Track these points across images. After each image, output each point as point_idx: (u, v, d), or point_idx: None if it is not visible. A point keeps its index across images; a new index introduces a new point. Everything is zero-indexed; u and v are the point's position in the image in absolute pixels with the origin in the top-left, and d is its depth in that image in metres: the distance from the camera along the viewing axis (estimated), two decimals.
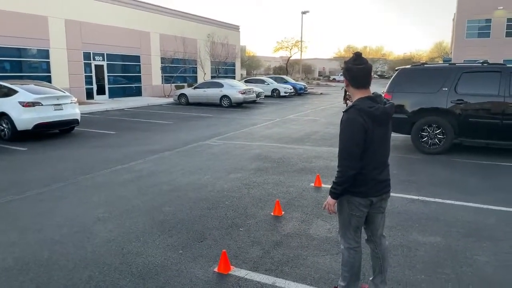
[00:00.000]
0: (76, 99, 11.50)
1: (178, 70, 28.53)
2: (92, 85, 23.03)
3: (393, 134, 8.39)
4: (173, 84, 27.50)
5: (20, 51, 19.32)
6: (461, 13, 36.65)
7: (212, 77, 31.10)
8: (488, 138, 8.19)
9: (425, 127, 8.53)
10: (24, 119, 9.95)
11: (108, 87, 24.11)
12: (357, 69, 2.63)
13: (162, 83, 27.76)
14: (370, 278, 3.10)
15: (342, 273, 2.92)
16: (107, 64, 23.93)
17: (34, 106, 10.02)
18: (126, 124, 13.63)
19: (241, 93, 20.13)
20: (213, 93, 20.66)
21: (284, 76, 35.60)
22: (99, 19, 22.84)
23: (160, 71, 27.73)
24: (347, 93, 19.79)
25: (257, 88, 23.67)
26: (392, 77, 9.14)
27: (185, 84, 28.59)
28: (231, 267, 3.59)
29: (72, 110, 11.02)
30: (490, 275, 3.49)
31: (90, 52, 22.66)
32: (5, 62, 18.81)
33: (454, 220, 4.78)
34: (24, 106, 9.93)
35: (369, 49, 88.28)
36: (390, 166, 2.87)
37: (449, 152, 8.51)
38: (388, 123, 2.72)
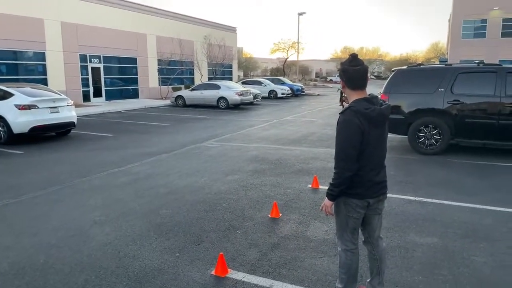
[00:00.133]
0: (72, 102, 11.46)
1: (175, 72, 28.51)
2: (88, 87, 22.96)
3: (390, 135, 8.42)
4: (170, 86, 27.47)
5: (16, 54, 19.25)
6: (457, 14, 36.80)
7: (209, 78, 31.06)
8: (485, 139, 8.21)
9: (422, 127, 8.55)
10: (20, 122, 9.90)
11: (105, 90, 24.04)
12: (353, 70, 2.63)
13: (159, 85, 27.71)
14: (368, 280, 3.10)
15: (340, 275, 2.92)
16: (104, 66, 23.87)
17: (30, 109, 9.98)
18: (123, 127, 13.59)
19: (238, 95, 20.13)
20: (210, 95, 20.65)
21: (281, 78, 35.63)
22: (95, 21, 22.79)
23: (157, 73, 27.68)
24: (343, 94, 19.89)
25: (254, 89, 23.68)
26: (389, 78, 9.16)
27: (182, 86, 28.56)
28: (228, 270, 3.58)
29: (69, 113, 10.98)
30: (487, 276, 3.49)
31: (86, 55, 22.60)
32: (1, 65, 18.73)
33: (451, 220, 4.79)
34: (20, 109, 9.89)
35: (366, 50, 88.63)
36: (387, 167, 2.87)
37: (445, 153, 8.53)
38: (385, 125, 2.72)
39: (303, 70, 75.03)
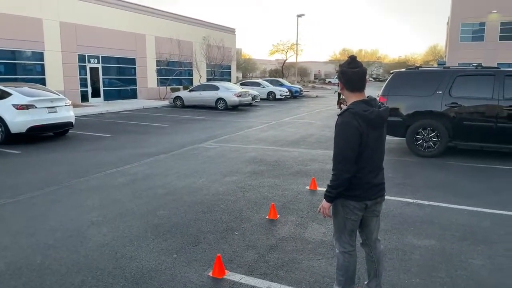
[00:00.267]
0: (70, 102, 11.44)
1: (173, 73, 28.51)
2: (87, 87, 22.93)
3: (388, 137, 8.42)
4: (168, 87, 27.45)
5: (14, 54, 19.22)
6: (455, 17, 36.90)
7: (208, 79, 31.08)
8: (483, 141, 8.23)
9: (420, 130, 8.57)
10: (18, 122, 9.87)
11: (103, 90, 24.01)
12: (351, 72, 2.63)
13: (157, 86, 27.70)
14: (365, 282, 3.10)
15: (337, 277, 2.91)
16: (102, 66, 23.85)
17: (28, 108, 9.95)
18: (121, 127, 13.57)
19: (237, 96, 20.13)
20: (208, 95, 20.65)
21: (280, 79, 35.66)
22: (94, 21, 22.77)
23: (155, 73, 27.66)
24: (341, 96, 19.86)
25: (252, 91, 23.67)
26: (387, 80, 9.18)
27: (181, 87, 28.56)
28: (226, 271, 3.57)
29: (67, 113, 10.96)
30: (485, 279, 3.49)
31: (85, 55, 22.58)
32: None
33: (449, 223, 4.79)
34: (18, 109, 9.86)
35: (364, 52, 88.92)
36: (385, 169, 2.87)
37: (443, 155, 8.54)
38: (383, 127, 2.72)
39: (302, 72, 75.08)
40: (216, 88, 20.72)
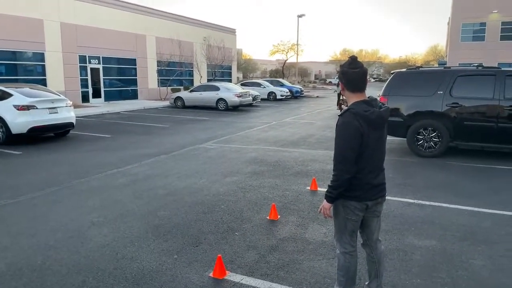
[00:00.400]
0: (71, 103, 11.45)
1: (174, 73, 28.52)
2: (87, 88, 22.95)
3: (389, 137, 8.41)
4: (169, 87, 27.47)
5: (15, 54, 19.25)
6: (456, 17, 36.89)
7: (209, 80, 31.08)
8: (483, 141, 8.22)
9: (421, 130, 8.56)
10: (19, 122, 9.88)
11: (104, 90, 24.03)
12: (352, 72, 2.63)
13: (158, 86, 27.71)
14: (366, 283, 3.09)
15: (338, 277, 2.91)
16: (103, 67, 23.87)
17: (29, 109, 9.96)
18: (122, 128, 13.58)
19: (238, 96, 20.13)
20: (209, 96, 20.65)
21: (281, 79, 35.66)
22: (95, 22, 22.80)
23: (156, 74, 27.68)
24: (341, 97, 19.83)
25: (253, 91, 23.67)
26: (388, 81, 9.18)
27: (181, 87, 28.57)
28: (227, 272, 3.57)
29: (67, 114, 10.97)
30: (485, 279, 3.48)
31: (85, 55, 22.60)
32: (0, 65, 18.72)
33: (450, 223, 4.78)
34: (19, 110, 9.87)
35: (365, 52, 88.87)
36: (386, 169, 2.87)
37: (444, 155, 8.54)
38: (384, 127, 2.72)
39: (302, 72, 75.11)
40: (216, 88, 20.72)
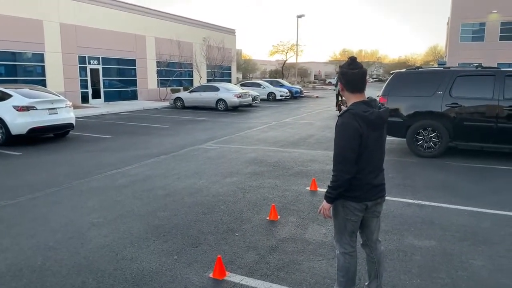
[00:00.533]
0: (71, 103, 11.45)
1: (173, 74, 28.52)
2: (87, 89, 22.95)
3: (389, 138, 8.42)
4: (168, 88, 27.46)
5: (15, 55, 19.24)
6: (455, 17, 36.90)
7: (208, 80, 31.07)
8: (483, 142, 8.23)
9: (420, 130, 8.56)
10: (19, 123, 9.88)
11: (104, 91, 24.03)
12: (351, 73, 2.64)
13: (157, 87, 27.72)
14: (366, 283, 3.09)
15: (338, 278, 2.91)
16: (103, 68, 23.87)
17: (28, 110, 9.96)
18: (122, 128, 13.58)
19: (237, 97, 20.14)
20: (209, 96, 20.66)
21: (280, 80, 35.66)
22: (94, 23, 22.80)
23: (155, 74, 27.68)
24: (339, 98, 19.81)
25: (253, 91, 23.67)
26: (387, 81, 9.18)
27: (181, 88, 28.57)
28: (227, 272, 3.57)
29: (67, 114, 10.97)
30: (485, 279, 3.49)
31: (85, 56, 22.60)
32: (0, 66, 18.71)
33: (450, 224, 4.79)
34: (19, 110, 9.87)
35: (364, 52, 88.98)
36: (385, 170, 2.87)
37: (444, 156, 8.54)
38: (383, 128, 2.73)
39: (302, 72, 75.17)
40: (216, 89, 20.73)
